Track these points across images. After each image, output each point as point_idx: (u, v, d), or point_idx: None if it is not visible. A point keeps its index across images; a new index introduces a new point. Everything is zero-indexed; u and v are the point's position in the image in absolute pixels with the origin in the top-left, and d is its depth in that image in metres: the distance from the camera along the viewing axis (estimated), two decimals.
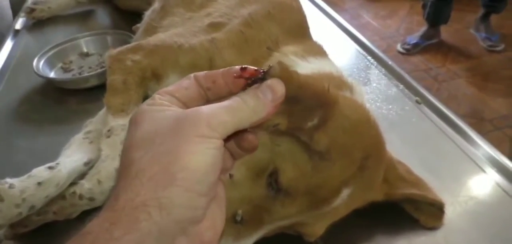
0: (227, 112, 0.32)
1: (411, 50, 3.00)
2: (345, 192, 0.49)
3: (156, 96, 0.34)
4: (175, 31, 0.69)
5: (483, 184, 0.68)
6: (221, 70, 0.36)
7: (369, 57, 1.02)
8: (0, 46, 1.09)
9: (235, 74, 0.35)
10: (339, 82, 0.60)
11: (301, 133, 0.46)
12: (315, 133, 0.45)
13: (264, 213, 0.48)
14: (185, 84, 0.35)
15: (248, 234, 0.47)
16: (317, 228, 0.50)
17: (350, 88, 0.58)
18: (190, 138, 0.30)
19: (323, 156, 0.47)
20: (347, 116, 0.49)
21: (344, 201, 0.50)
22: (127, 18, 1.15)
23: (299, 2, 0.80)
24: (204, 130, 0.30)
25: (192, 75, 0.36)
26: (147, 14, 0.90)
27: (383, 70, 0.96)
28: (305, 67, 0.53)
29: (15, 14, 1.30)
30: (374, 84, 0.91)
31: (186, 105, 0.35)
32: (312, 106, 0.48)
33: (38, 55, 0.93)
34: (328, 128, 0.45)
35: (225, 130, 0.32)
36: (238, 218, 0.47)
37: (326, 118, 0.46)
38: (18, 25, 1.21)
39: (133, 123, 0.33)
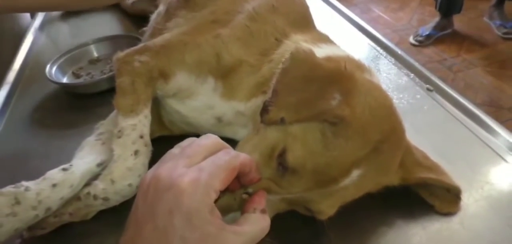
0: None
1: (424, 42, 2.96)
2: (355, 173, 0.49)
3: None
4: (181, 30, 0.69)
5: (498, 169, 0.66)
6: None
7: (378, 48, 1.01)
8: (16, 51, 1.12)
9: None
10: (357, 64, 0.60)
11: (327, 115, 0.47)
12: (339, 107, 0.46)
13: (271, 184, 0.48)
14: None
15: None
16: (325, 206, 0.50)
17: (368, 71, 0.58)
18: None
19: (338, 133, 0.47)
20: (370, 95, 0.50)
21: (354, 182, 0.49)
22: (137, 23, 1.17)
23: None
24: None
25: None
26: (153, 18, 0.91)
27: (392, 59, 0.95)
28: (318, 52, 0.53)
29: (32, 15, 1.35)
30: (384, 74, 0.90)
31: None
32: (327, 84, 0.48)
33: (50, 62, 0.95)
34: (350, 100, 0.47)
35: None
36: (245, 196, 0.47)
37: (346, 92, 0.47)
38: (34, 26, 1.26)
39: None
